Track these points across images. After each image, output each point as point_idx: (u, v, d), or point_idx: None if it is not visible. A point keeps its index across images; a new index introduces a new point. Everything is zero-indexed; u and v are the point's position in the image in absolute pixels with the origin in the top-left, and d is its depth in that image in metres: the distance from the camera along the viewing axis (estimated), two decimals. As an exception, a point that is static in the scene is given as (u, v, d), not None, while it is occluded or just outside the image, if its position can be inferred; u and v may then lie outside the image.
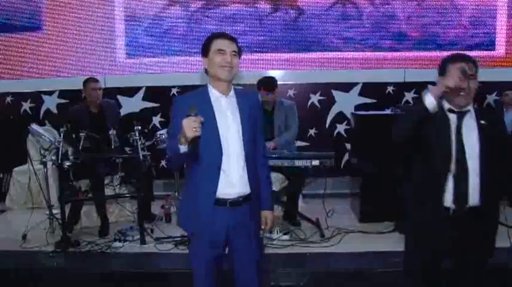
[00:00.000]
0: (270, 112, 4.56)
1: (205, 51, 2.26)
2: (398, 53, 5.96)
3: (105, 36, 6.00)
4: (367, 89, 5.88)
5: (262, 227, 2.45)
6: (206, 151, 2.14)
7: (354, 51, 5.93)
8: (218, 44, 2.21)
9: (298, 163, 4.11)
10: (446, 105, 2.29)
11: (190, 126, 1.97)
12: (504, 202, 4.59)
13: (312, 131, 5.89)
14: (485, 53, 5.89)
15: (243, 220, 2.27)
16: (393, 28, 5.97)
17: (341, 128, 5.95)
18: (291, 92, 5.90)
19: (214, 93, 2.25)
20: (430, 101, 2.13)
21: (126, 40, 6.03)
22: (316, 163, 4.10)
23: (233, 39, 2.25)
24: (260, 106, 2.43)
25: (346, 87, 5.91)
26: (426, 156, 2.29)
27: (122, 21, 6.00)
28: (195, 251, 2.32)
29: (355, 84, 5.90)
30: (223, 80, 2.22)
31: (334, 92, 5.92)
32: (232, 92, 2.28)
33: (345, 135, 5.92)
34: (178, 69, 5.97)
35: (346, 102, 5.89)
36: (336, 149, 5.19)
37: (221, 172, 2.19)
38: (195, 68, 5.82)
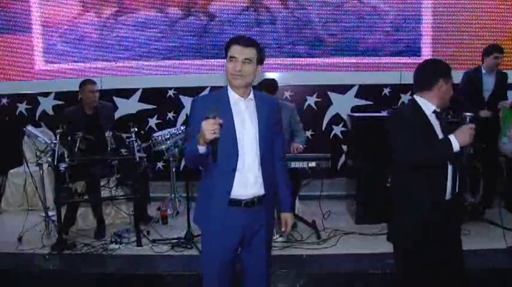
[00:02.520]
0: None
1: (225, 55, 2.26)
2: (316, 59, 5.94)
3: (22, 43, 6.01)
4: (364, 91, 5.90)
5: (282, 229, 2.49)
6: (222, 152, 2.15)
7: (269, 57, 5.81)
8: (231, 50, 2.20)
9: (295, 164, 4.12)
10: (432, 107, 2.44)
11: (209, 128, 1.98)
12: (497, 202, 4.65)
13: (308, 133, 5.89)
14: (411, 59, 5.88)
15: (257, 221, 2.29)
16: (309, 33, 5.94)
17: (337, 130, 5.96)
18: (287, 94, 5.91)
19: (233, 95, 2.26)
20: (457, 148, 2.31)
21: (43, 47, 6.04)
22: (312, 164, 4.11)
23: (249, 45, 2.20)
24: (279, 109, 2.43)
25: (343, 89, 5.93)
26: None
27: (39, 27, 6.00)
28: (208, 252, 2.34)
29: (352, 86, 5.92)
30: (234, 86, 2.23)
31: (331, 94, 5.94)
32: (251, 95, 2.29)
33: (341, 137, 5.93)
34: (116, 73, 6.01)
35: (342, 104, 5.91)
36: (333, 150, 5.20)
37: (237, 173, 2.22)
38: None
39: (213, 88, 5.40)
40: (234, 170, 2.21)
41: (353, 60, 5.92)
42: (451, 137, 2.30)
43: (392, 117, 2.78)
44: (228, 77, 2.22)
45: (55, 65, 6.07)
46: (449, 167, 2.42)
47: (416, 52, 5.92)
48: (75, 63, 6.04)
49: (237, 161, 2.21)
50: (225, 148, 2.15)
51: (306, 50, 5.94)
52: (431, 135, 2.40)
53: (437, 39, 5.91)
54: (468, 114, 2.35)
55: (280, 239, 4.00)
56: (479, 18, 5.83)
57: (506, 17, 5.86)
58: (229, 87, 2.28)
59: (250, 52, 2.19)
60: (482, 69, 4.79)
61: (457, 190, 2.48)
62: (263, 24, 5.91)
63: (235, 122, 2.22)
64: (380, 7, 5.87)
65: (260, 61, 2.25)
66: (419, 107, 2.45)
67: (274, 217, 2.52)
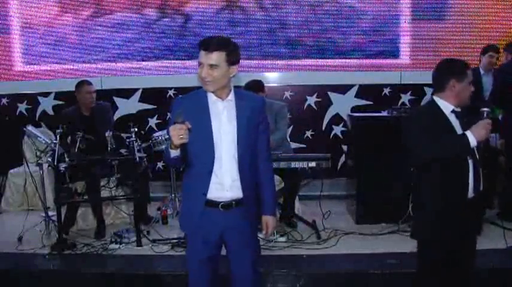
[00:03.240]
0: None
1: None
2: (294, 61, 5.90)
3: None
4: (364, 90, 5.90)
5: (263, 232, 2.45)
6: (199, 154, 2.14)
7: (246, 59, 5.69)
8: (199, 55, 2.14)
9: (295, 164, 4.12)
10: (450, 107, 2.44)
11: (177, 133, 1.98)
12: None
13: (308, 133, 5.89)
14: (389, 61, 5.88)
15: (237, 222, 2.27)
16: (286, 34, 5.90)
17: (337, 129, 5.96)
18: (287, 94, 5.91)
19: (211, 97, 2.22)
20: (474, 143, 2.31)
21: (22, 48, 6.03)
22: (312, 164, 4.11)
23: (214, 49, 2.10)
24: (264, 108, 2.37)
25: (343, 89, 5.92)
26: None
27: (18, 28, 5.99)
28: (190, 251, 2.35)
29: (352, 86, 5.91)
30: (208, 91, 2.20)
31: (331, 94, 5.94)
32: (231, 96, 2.24)
33: (342, 137, 5.93)
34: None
35: (342, 104, 5.90)
36: (333, 150, 5.19)
37: (213, 175, 2.20)
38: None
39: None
40: (210, 172, 2.19)
41: (330, 62, 5.91)
42: (468, 132, 2.31)
43: (407, 117, 2.80)
44: (200, 82, 2.18)
45: (34, 67, 6.06)
46: (471, 165, 2.41)
47: (394, 54, 5.92)
48: (52, 65, 6.04)
49: (213, 163, 2.19)
50: (201, 149, 2.15)
51: (282, 51, 5.91)
52: (450, 134, 2.41)
53: (416, 41, 5.91)
54: (485, 109, 2.35)
55: (281, 239, 4.00)
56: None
57: (490, 18, 5.85)
58: None
59: (217, 57, 2.10)
60: (480, 69, 4.84)
61: (480, 188, 2.47)
62: (238, 26, 5.86)
63: (212, 124, 2.19)
64: (358, 7, 5.84)
65: (233, 62, 2.16)
66: (438, 107, 2.45)
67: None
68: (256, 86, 4.37)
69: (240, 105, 2.24)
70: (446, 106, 2.44)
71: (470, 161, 2.41)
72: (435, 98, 2.49)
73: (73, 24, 5.97)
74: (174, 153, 2.07)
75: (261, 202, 2.40)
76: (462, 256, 2.52)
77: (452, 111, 2.44)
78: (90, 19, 5.97)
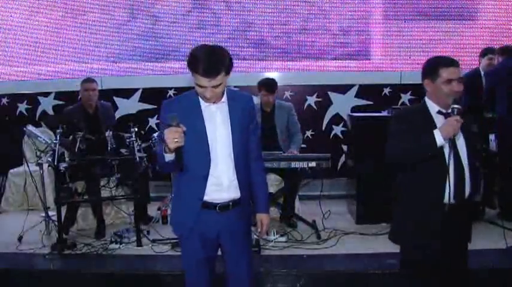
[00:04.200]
0: (269, 113, 4.59)
1: (190, 70, 2.06)
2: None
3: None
4: (364, 90, 5.90)
5: (258, 230, 2.45)
6: (194, 158, 2.11)
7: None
8: (197, 79, 2.04)
9: (295, 164, 4.12)
10: (436, 107, 2.37)
11: (172, 137, 1.94)
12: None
13: (308, 133, 5.89)
14: (361, 62, 5.89)
15: (233, 223, 2.26)
16: (253, 36, 5.89)
17: (337, 129, 5.96)
18: (287, 94, 5.90)
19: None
20: (441, 141, 2.22)
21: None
22: (312, 164, 4.11)
23: (216, 74, 2.00)
24: (254, 108, 2.36)
25: (343, 89, 5.92)
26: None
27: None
28: (186, 252, 2.32)
29: (352, 86, 5.91)
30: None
31: (331, 94, 5.94)
32: (224, 97, 2.21)
33: (342, 137, 5.93)
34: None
35: (342, 104, 5.90)
36: (333, 150, 5.18)
37: (210, 178, 2.18)
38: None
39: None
40: (206, 175, 2.17)
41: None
42: (435, 131, 2.23)
43: (390, 116, 2.75)
44: (200, 95, 2.12)
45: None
46: (451, 168, 2.31)
47: (365, 55, 5.92)
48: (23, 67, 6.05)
49: (210, 166, 2.17)
50: (196, 153, 2.11)
51: (251, 52, 5.90)
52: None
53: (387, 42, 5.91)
54: (455, 106, 2.26)
55: (281, 239, 4.01)
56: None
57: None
58: None
59: (219, 77, 2.02)
60: (481, 70, 4.94)
61: (466, 194, 2.37)
62: (207, 27, 5.86)
63: (206, 127, 2.16)
64: (327, 9, 5.83)
65: (230, 70, 2.09)
66: (426, 108, 2.41)
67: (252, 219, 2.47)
68: (272, 85, 4.54)
69: (232, 106, 2.22)
70: (432, 106, 2.39)
71: (451, 165, 2.30)
72: (425, 98, 2.44)
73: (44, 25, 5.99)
74: (169, 157, 2.02)
75: (254, 200, 2.40)
76: (448, 262, 2.44)
77: (439, 112, 2.36)
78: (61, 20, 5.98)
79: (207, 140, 2.16)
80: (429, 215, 2.36)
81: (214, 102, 2.17)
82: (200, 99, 2.18)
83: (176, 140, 1.94)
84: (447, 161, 2.29)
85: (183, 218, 2.26)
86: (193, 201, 2.20)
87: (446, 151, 2.29)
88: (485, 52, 4.96)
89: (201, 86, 2.06)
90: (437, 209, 2.35)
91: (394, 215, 2.58)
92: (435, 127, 2.28)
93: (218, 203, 2.21)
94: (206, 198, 2.19)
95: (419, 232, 2.39)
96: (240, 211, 2.27)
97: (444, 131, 2.21)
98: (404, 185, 2.49)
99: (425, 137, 2.24)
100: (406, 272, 2.55)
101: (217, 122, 2.19)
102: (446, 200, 2.34)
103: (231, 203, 2.23)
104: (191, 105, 2.18)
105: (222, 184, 2.20)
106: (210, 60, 2.00)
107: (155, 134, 4.92)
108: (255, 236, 3.61)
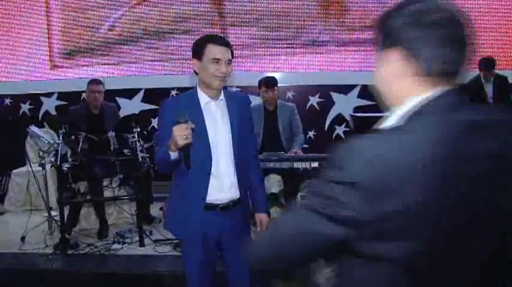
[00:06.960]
0: (272, 113, 4.59)
1: (198, 54, 2.12)
2: None
3: None
4: (366, 91, 5.89)
5: (258, 230, 2.44)
6: (195, 157, 2.09)
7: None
8: (214, 51, 2.08)
9: (297, 164, 4.11)
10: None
11: (181, 134, 1.91)
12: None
13: (311, 133, 5.89)
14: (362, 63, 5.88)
15: (233, 223, 2.24)
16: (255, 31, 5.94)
17: (340, 130, 5.96)
18: (289, 94, 5.90)
19: (203, 97, 2.18)
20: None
21: None
22: (315, 165, 4.10)
23: (229, 45, 2.12)
24: (250, 108, 2.38)
25: (345, 89, 5.92)
26: None
27: None
28: (188, 254, 2.30)
29: (354, 86, 5.90)
30: (215, 88, 2.16)
31: (333, 94, 5.93)
32: (222, 95, 2.22)
33: (344, 137, 5.92)
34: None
35: (345, 104, 5.90)
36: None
37: (211, 178, 2.16)
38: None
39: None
40: (208, 174, 2.15)
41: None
42: None
43: None
44: (209, 79, 2.11)
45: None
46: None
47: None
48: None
49: (211, 165, 2.16)
50: (198, 152, 2.08)
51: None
52: None
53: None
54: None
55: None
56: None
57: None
58: (198, 89, 2.20)
59: (230, 53, 2.12)
60: (481, 76, 4.95)
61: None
62: None
63: (207, 125, 2.15)
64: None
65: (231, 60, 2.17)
66: None
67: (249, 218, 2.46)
68: (272, 81, 4.53)
69: (231, 105, 2.23)
70: None
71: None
72: None
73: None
74: (174, 155, 2.00)
75: (253, 200, 2.40)
76: None
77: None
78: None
79: (208, 138, 2.15)
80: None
81: (213, 98, 2.18)
82: (200, 97, 2.19)
83: (185, 136, 1.92)
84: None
85: (185, 221, 2.23)
86: (196, 201, 2.19)
87: None
88: (482, 62, 4.91)
89: (217, 60, 2.08)
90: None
91: None
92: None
93: (219, 204, 2.20)
94: (208, 199, 2.18)
95: None
96: (240, 211, 2.27)
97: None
98: None
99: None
100: None
101: (217, 120, 2.19)
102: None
103: (231, 203, 2.23)
104: (190, 103, 2.17)
105: (223, 184, 2.20)
106: (220, 35, 2.13)
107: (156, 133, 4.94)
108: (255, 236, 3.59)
